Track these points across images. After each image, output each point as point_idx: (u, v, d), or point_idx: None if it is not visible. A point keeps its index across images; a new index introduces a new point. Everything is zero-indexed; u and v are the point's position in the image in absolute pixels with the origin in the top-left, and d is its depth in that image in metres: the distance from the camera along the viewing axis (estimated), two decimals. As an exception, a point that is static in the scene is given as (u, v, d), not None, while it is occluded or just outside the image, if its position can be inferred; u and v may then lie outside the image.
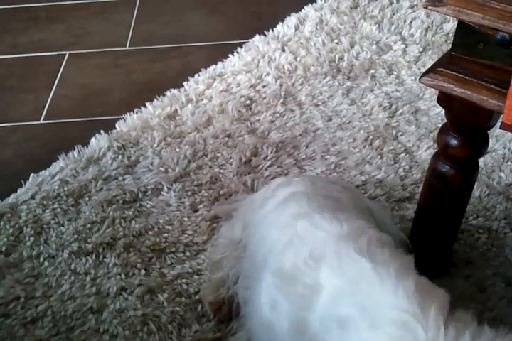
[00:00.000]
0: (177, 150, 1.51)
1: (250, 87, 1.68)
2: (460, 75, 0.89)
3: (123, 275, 1.21)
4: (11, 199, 1.40)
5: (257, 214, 0.98)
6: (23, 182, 1.44)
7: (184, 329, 1.12)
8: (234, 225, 1.08)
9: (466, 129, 0.97)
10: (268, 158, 1.47)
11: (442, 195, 1.06)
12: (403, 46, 1.78)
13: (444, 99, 0.93)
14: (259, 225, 0.95)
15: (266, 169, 1.44)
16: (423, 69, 1.66)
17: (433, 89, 1.57)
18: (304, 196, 0.92)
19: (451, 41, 0.90)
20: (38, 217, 1.35)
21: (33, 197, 1.39)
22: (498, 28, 0.78)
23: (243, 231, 1.02)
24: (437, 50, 1.76)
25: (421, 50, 1.77)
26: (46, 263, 1.26)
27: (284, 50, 1.80)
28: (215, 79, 1.72)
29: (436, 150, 1.16)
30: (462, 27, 0.84)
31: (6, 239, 1.30)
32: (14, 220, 1.35)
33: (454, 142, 0.98)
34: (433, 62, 0.95)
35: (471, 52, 0.87)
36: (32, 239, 1.30)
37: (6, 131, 1.66)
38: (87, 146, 1.53)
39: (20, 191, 1.41)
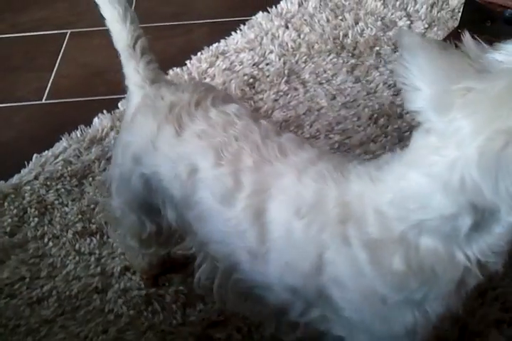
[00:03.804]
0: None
1: (253, 65, 1.67)
2: (466, 53, 0.87)
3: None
4: (15, 179, 1.40)
5: None
6: (26, 162, 1.44)
7: (188, 308, 1.12)
8: None
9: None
10: (272, 137, 1.46)
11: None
12: (408, 22, 1.75)
13: (450, 78, 0.92)
14: None
15: (269, 148, 1.43)
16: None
17: (439, 67, 1.55)
18: None
19: (458, 17, 0.88)
20: (41, 197, 1.35)
21: (36, 178, 1.39)
22: (506, 6, 0.76)
23: None
24: (443, 26, 1.73)
25: (426, 26, 1.74)
26: (51, 244, 1.26)
27: (287, 27, 1.78)
28: (217, 58, 1.70)
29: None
30: (470, 4, 0.83)
31: (10, 220, 1.31)
32: (18, 201, 1.35)
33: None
34: (439, 39, 0.93)
35: (479, 30, 0.85)
36: (36, 219, 1.31)
37: (9, 111, 1.65)
38: (90, 126, 1.53)
39: (23, 172, 1.42)
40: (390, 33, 1.73)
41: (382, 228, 0.70)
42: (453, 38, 0.93)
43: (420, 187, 0.66)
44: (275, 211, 0.79)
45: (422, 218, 0.67)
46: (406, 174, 0.68)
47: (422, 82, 0.63)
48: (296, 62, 1.67)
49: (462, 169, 0.60)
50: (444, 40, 0.93)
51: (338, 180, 0.76)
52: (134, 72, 0.98)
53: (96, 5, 0.99)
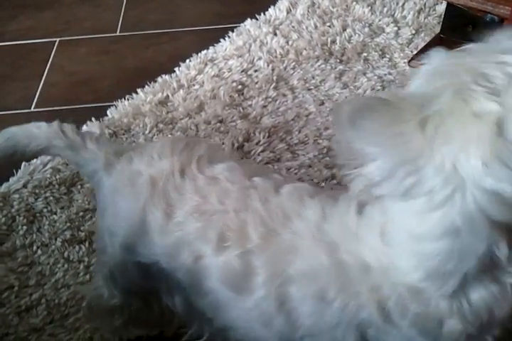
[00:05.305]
0: (169, 136, 1.50)
1: (242, 71, 1.67)
2: (449, 58, 0.88)
3: (116, 263, 1.21)
4: (3, 188, 1.39)
5: None
6: (14, 171, 1.43)
7: (177, 315, 1.12)
8: None
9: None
10: (260, 143, 1.46)
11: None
12: (396, 28, 1.77)
13: (434, 83, 0.92)
14: None
15: (258, 154, 1.43)
16: (416, 52, 1.64)
17: (425, 72, 1.57)
18: None
19: (442, 23, 0.89)
20: (30, 205, 1.35)
21: (25, 186, 1.39)
22: (486, 10, 0.77)
23: None
24: (430, 32, 1.74)
25: (413, 32, 1.75)
26: (39, 252, 1.26)
27: (275, 34, 1.78)
28: (206, 65, 1.71)
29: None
30: (451, 9, 0.84)
31: (-2, 228, 1.30)
32: (6, 209, 1.34)
33: (444, 125, 0.98)
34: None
35: (460, 35, 0.87)
36: (25, 227, 1.30)
37: (-4, 119, 1.65)
38: (79, 134, 1.52)
39: (12, 180, 1.41)
40: (378, 39, 1.74)
41: (424, 302, 0.65)
42: (435, 44, 0.95)
43: (447, 251, 0.59)
44: (299, 296, 0.71)
45: (462, 272, 0.61)
46: (422, 248, 0.61)
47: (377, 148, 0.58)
48: (285, 68, 1.67)
49: (469, 201, 0.55)
50: (427, 46, 0.94)
51: (351, 253, 0.68)
52: (89, 155, 0.85)
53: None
